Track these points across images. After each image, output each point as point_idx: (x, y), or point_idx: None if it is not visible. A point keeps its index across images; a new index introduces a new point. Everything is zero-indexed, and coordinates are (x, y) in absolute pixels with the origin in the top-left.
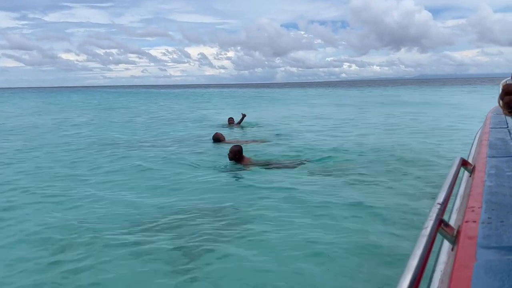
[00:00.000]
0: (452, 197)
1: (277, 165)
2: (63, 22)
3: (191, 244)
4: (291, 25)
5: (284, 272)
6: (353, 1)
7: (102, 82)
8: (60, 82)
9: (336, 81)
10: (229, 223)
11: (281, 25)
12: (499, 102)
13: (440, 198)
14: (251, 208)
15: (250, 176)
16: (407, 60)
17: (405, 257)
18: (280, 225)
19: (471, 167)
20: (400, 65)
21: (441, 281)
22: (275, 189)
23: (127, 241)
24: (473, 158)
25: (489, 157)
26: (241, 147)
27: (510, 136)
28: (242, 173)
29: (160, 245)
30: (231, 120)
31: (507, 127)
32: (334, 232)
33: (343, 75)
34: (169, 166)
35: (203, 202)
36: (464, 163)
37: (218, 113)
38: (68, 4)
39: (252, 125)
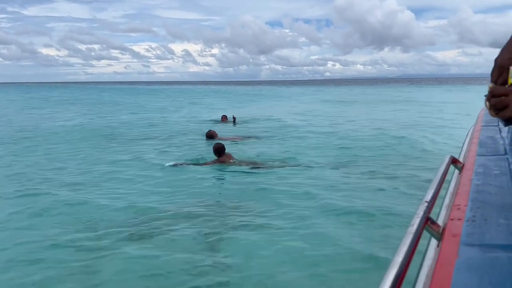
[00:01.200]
0: (442, 195)
1: (260, 165)
2: (43, 16)
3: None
4: (276, 23)
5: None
6: (337, 0)
7: (83, 78)
8: (40, 77)
9: (321, 80)
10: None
11: (266, 23)
12: (486, 104)
13: (428, 196)
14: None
15: (233, 174)
16: (390, 59)
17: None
18: (266, 223)
19: (461, 165)
20: (383, 65)
21: (428, 277)
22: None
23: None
24: (463, 155)
25: (478, 155)
26: (223, 145)
27: (500, 135)
28: (224, 171)
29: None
30: (224, 118)
31: (498, 125)
32: (321, 231)
33: (327, 73)
34: (153, 162)
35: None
36: (454, 161)
37: (212, 111)
38: None
39: (246, 122)
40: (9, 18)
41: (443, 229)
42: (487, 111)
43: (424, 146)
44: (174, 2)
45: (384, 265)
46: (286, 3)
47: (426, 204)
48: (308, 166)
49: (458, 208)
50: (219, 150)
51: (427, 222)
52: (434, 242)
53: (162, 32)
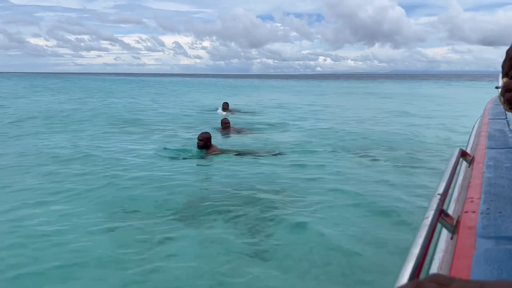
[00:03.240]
0: (450, 187)
1: (247, 153)
2: (32, 6)
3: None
4: (267, 17)
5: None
6: None
7: (73, 69)
8: (28, 67)
9: (312, 74)
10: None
11: (257, 16)
12: (500, 99)
13: (440, 189)
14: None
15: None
16: (381, 55)
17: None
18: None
19: (470, 158)
20: (374, 60)
21: (440, 268)
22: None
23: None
24: (471, 149)
25: (488, 148)
26: (210, 135)
27: (509, 128)
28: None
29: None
30: (225, 105)
31: (506, 118)
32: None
33: (318, 68)
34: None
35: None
36: (463, 154)
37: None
38: None
39: (246, 112)
40: None
41: (457, 222)
42: (494, 104)
43: (427, 138)
44: None
45: (394, 257)
46: None
47: (438, 197)
48: (313, 155)
49: (472, 201)
50: (208, 141)
51: (441, 214)
52: (444, 234)
53: (152, 23)
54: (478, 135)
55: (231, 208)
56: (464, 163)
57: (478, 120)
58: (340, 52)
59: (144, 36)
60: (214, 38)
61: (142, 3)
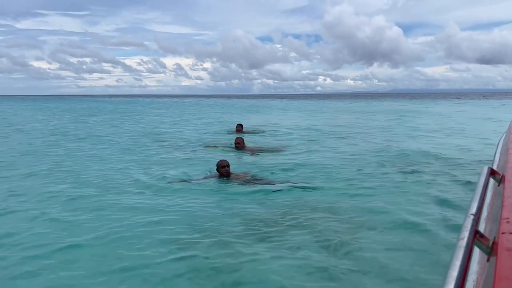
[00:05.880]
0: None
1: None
2: (36, 30)
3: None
4: (266, 38)
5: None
6: (326, 16)
7: (75, 91)
8: (31, 90)
9: (313, 94)
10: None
11: (257, 38)
12: None
13: (473, 209)
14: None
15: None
16: (380, 74)
17: (440, 267)
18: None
19: (499, 176)
20: (373, 79)
21: None
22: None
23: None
24: (498, 166)
25: None
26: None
27: None
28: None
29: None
30: (238, 128)
31: None
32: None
33: (318, 88)
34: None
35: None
36: (492, 172)
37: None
38: (42, 11)
39: (257, 133)
40: (1, 31)
41: (494, 243)
42: None
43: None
44: (167, 16)
45: (427, 278)
46: (276, 19)
47: (472, 217)
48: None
49: (508, 222)
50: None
51: (476, 235)
52: (477, 254)
53: (154, 46)
54: (505, 152)
55: (283, 230)
56: (492, 181)
57: (503, 137)
58: (339, 72)
59: (145, 58)
60: (215, 59)
61: (143, 26)
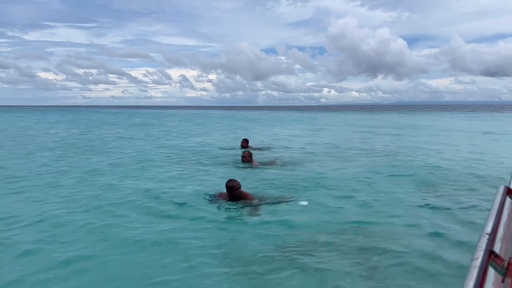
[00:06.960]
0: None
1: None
2: (43, 41)
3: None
4: (271, 50)
5: None
6: (330, 29)
7: (81, 102)
8: (38, 101)
9: (318, 106)
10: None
11: (261, 50)
12: None
13: (488, 228)
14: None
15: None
16: (385, 86)
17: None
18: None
19: None
20: (378, 91)
21: None
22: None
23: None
24: None
25: None
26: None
27: None
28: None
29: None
30: (243, 143)
31: None
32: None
33: (323, 100)
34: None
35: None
36: (508, 191)
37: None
38: (50, 23)
39: (265, 147)
40: (9, 43)
41: (509, 264)
42: None
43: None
44: (173, 29)
45: None
46: (280, 31)
47: (487, 236)
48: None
49: None
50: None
51: (491, 255)
52: (492, 274)
53: (159, 57)
54: None
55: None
56: (508, 201)
57: None
58: (344, 84)
59: (151, 70)
60: (220, 71)
61: (149, 38)
